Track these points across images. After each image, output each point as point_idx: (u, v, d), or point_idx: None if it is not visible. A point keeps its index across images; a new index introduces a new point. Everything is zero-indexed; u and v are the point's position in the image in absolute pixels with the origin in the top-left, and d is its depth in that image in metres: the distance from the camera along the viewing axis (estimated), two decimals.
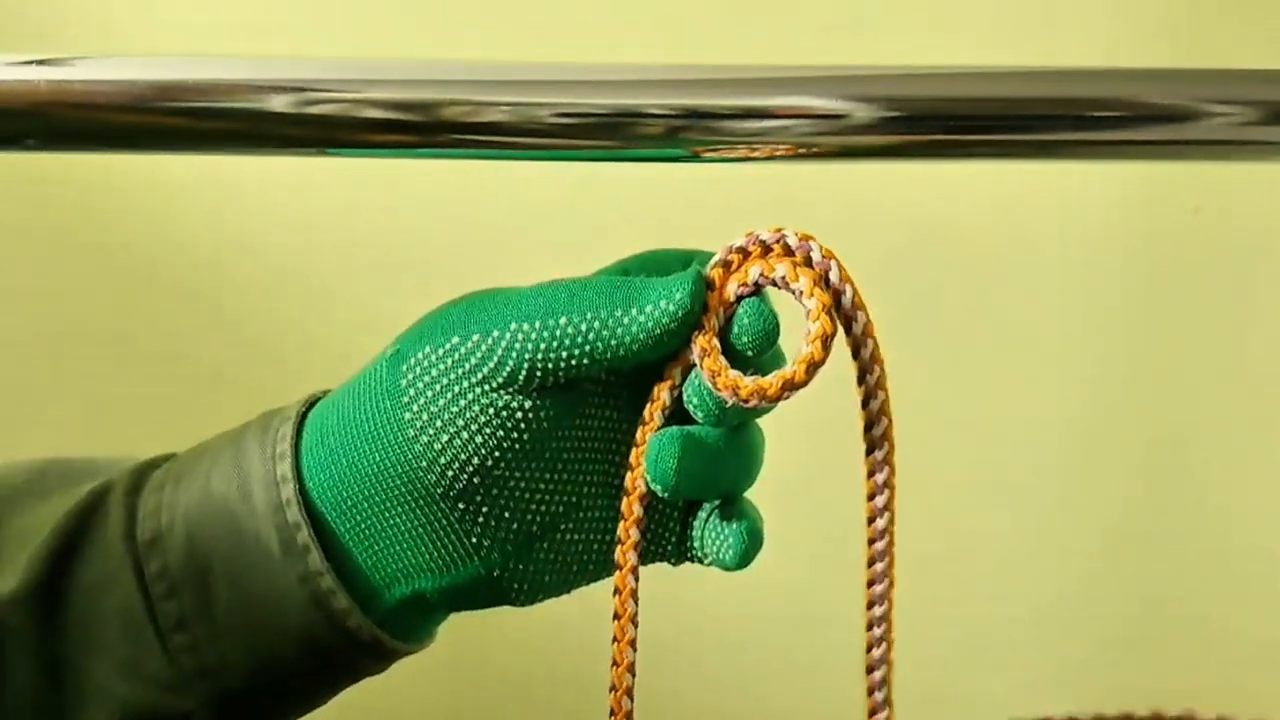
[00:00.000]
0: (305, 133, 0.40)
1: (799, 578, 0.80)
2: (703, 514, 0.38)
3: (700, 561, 0.38)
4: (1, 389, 0.81)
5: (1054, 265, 0.80)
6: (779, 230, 0.36)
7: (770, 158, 0.40)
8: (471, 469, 0.36)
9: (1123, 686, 0.83)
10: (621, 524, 0.37)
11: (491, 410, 0.35)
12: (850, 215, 0.77)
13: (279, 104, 0.39)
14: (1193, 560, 0.83)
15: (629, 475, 0.37)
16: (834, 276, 0.36)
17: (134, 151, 0.42)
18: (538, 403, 0.36)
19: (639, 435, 0.37)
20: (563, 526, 0.38)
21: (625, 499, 0.37)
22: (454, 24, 0.77)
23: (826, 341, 0.34)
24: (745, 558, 0.37)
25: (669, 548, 0.39)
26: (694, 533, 0.38)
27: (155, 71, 0.40)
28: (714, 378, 0.35)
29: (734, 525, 0.37)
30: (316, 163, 0.42)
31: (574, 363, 0.35)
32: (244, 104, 0.39)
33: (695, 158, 0.40)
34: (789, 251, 0.36)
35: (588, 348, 0.35)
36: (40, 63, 0.40)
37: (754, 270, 0.35)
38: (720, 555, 0.37)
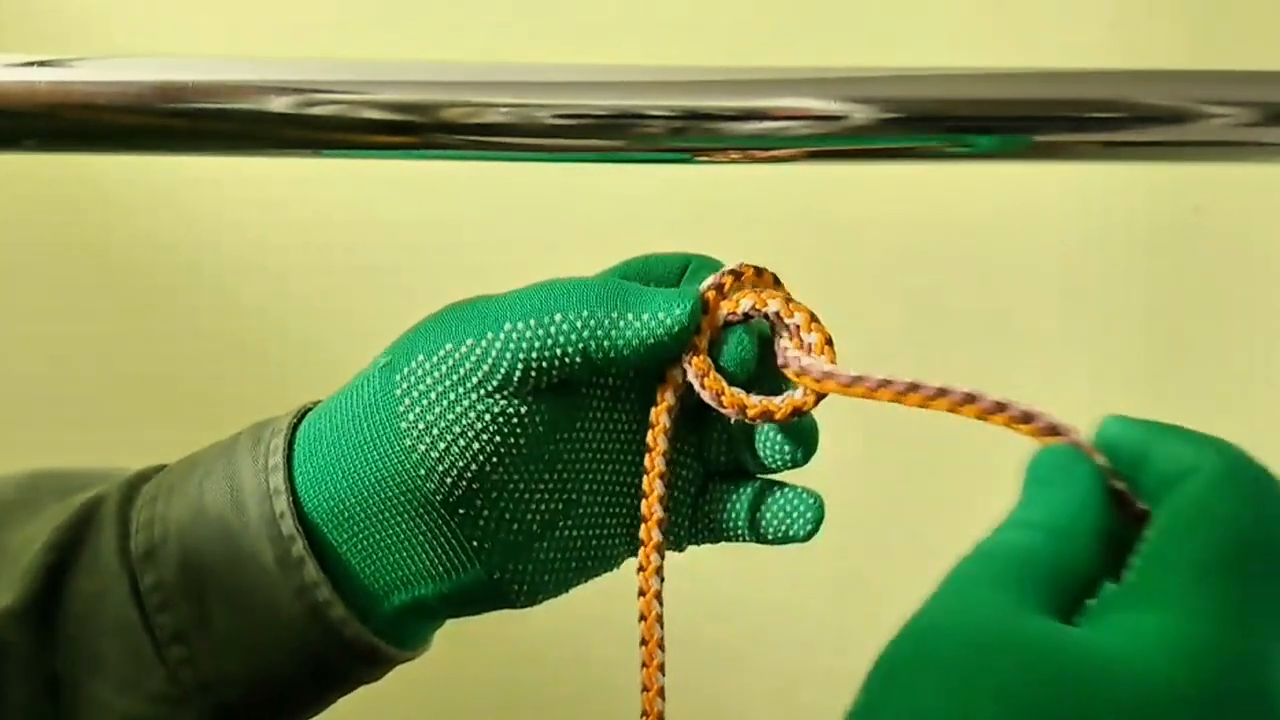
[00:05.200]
0: (305, 134, 0.40)
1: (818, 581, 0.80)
2: (750, 489, 0.39)
3: (756, 538, 0.39)
4: None
5: (1054, 265, 0.80)
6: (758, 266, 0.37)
7: (770, 159, 0.40)
8: (470, 475, 0.36)
9: None
10: (643, 526, 0.37)
11: (488, 415, 0.35)
12: (850, 216, 0.77)
13: (279, 105, 0.39)
14: None
15: (645, 479, 0.37)
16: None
17: (134, 153, 0.42)
18: (534, 406, 0.36)
19: (647, 462, 0.37)
20: (561, 524, 0.38)
21: (644, 501, 0.37)
22: (454, 24, 0.77)
23: None
24: (818, 526, 0.38)
25: (680, 534, 0.39)
26: (740, 511, 0.39)
27: (155, 73, 0.40)
28: (718, 396, 0.36)
29: (804, 495, 0.38)
30: (313, 163, 0.42)
31: (568, 361, 0.35)
32: (244, 105, 0.39)
33: (695, 159, 0.40)
34: (777, 282, 0.37)
35: (582, 345, 0.35)
36: (41, 64, 0.40)
37: (746, 302, 0.36)
38: (794, 527, 0.38)
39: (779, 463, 0.38)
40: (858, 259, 0.78)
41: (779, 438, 0.38)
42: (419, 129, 0.40)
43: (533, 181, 0.78)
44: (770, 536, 0.39)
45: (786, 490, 0.39)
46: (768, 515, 0.39)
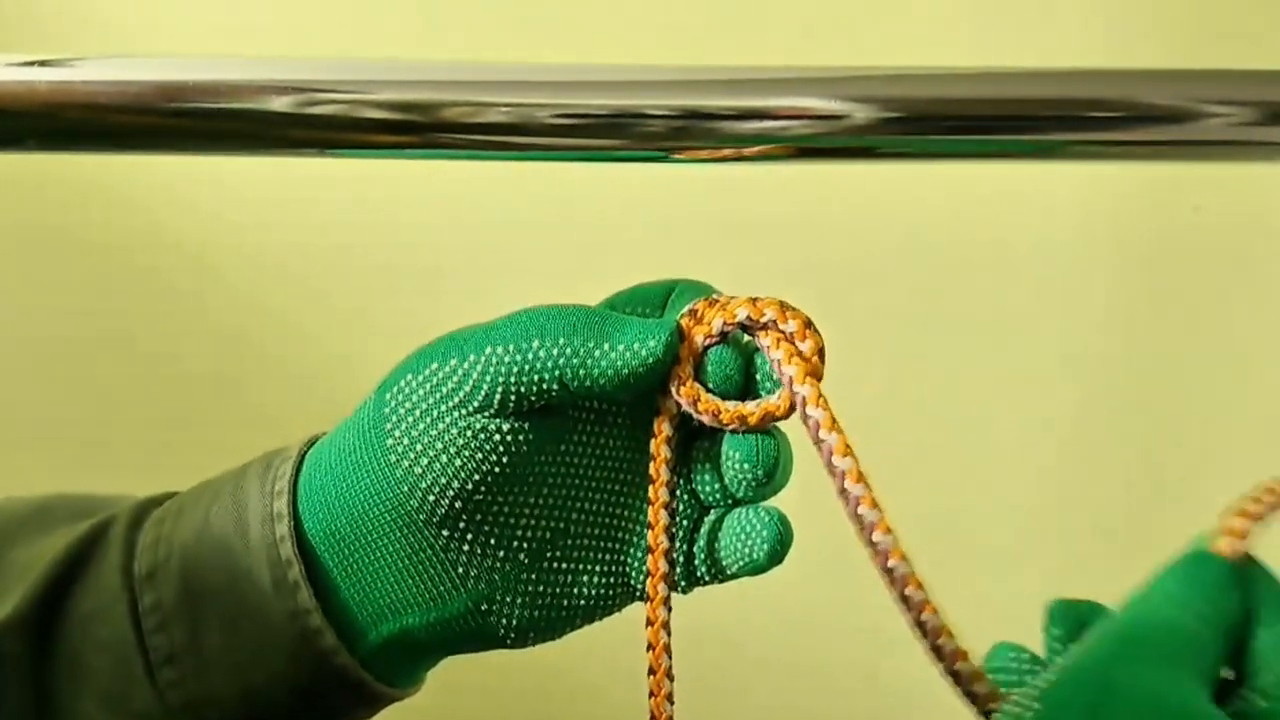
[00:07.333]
0: (306, 133, 0.40)
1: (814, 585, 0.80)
2: (711, 518, 0.37)
3: (717, 577, 0.37)
4: None
5: (1055, 265, 0.80)
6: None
7: (770, 158, 0.40)
8: (452, 493, 0.36)
9: None
10: (650, 556, 0.37)
11: (470, 433, 0.35)
12: (849, 216, 0.77)
13: (280, 105, 0.39)
14: None
15: (650, 510, 0.37)
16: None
17: (134, 152, 0.42)
18: (517, 426, 0.36)
19: (651, 493, 0.37)
20: (549, 554, 0.37)
21: (650, 532, 0.37)
22: (454, 24, 0.77)
23: (822, 354, 0.36)
24: (779, 550, 0.36)
25: (676, 572, 0.38)
26: (704, 543, 0.37)
27: (156, 72, 0.40)
28: (716, 415, 0.36)
29: (761, 515, 0.36)
30: (318, 161, 0.42)
31: (545, 388, 0.35)
32: (245, 105, 0.39)
33: (694, 159, 0.40)
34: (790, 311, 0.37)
35: (558, 373, 0.35)
36: (41, 63, 0.40)
37: (718, 321, 0.36)
38: (751, 553, 0.36)
39: (744, 481, 0.36)
40: (857, 258, 0.78)
41: (735, 455, 0.36)
42: (419, 129, 0.40)
43: (537, 183, 0.78)
44: (730, 567, 0.37)
45: (742, 510, 0.37)
46: (723, 541, 0.37)
